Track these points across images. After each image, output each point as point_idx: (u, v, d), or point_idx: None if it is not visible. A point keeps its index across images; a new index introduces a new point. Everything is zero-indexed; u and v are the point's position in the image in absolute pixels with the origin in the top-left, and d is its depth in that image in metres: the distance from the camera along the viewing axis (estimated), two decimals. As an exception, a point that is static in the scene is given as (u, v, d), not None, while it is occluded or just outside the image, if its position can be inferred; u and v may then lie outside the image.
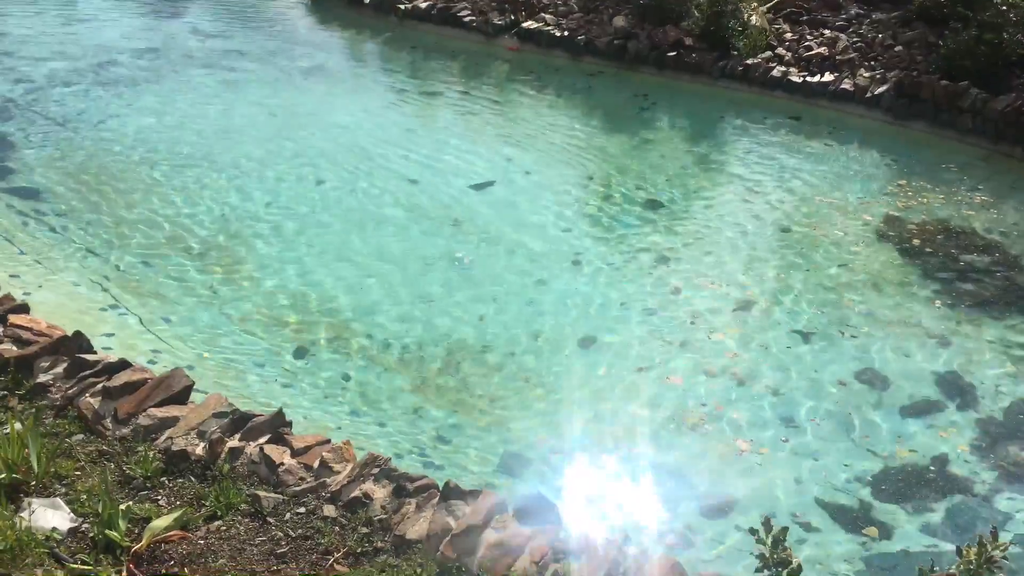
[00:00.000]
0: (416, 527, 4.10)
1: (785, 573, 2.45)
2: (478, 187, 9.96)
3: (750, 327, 7.44)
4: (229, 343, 7.08)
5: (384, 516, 4.22)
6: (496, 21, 15.40)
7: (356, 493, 4.38)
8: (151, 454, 4.72)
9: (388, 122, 12.18)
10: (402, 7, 16.42)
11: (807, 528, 5.41)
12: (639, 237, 9.02)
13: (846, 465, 5.92)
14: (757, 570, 2.59)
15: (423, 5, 16.11)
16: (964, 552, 2.56)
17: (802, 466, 5.91)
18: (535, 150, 11.26)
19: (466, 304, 7.75)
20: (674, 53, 13.52)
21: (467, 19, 15.66)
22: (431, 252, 8.58)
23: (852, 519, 5.49)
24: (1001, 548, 2.46)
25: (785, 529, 2.53)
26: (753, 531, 2.52)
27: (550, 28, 14.90)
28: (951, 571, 2.52)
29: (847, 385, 6.70)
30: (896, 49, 12.52)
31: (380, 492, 4.33)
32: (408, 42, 15.72)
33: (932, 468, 5.89)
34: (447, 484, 4.24)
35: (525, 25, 15.12)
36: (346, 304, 7.66)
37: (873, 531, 5.38)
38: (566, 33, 14.67)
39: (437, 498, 4.23)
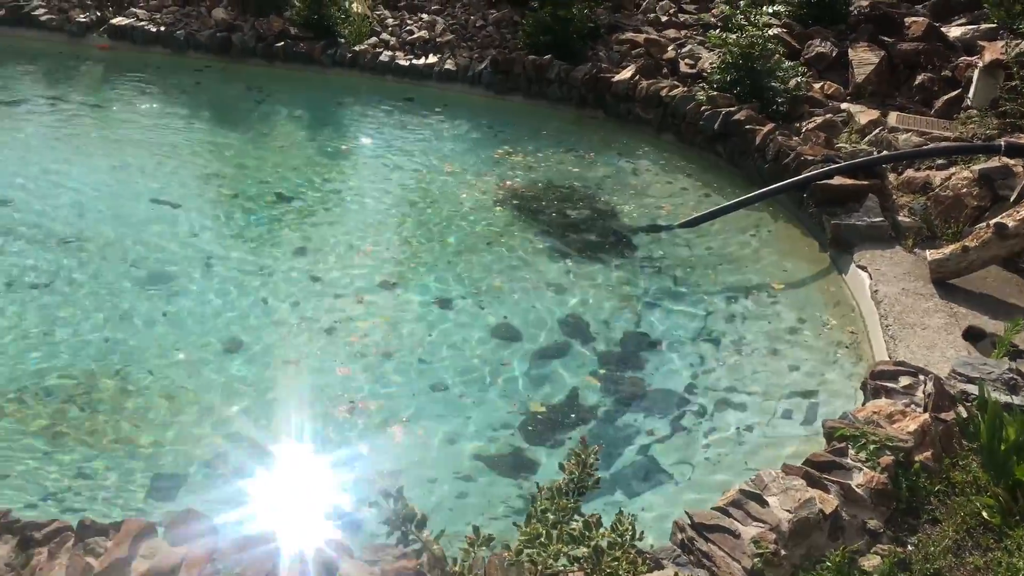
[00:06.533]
0: (52, 577, 3.71)
1: (413, 525, 2.66)
2: (112, 199, 9.12)
3: (396, 306, 7.65)
4: None
5: (11, 575, 3.76)
6: (80, 19, 14.03)
7: (-29, 559, 3.84)
8: None
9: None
10: (-40, 10, 14.35)
11: (468, 480, 5.76)
12: (273, 231, 8.85)
13: (495, 419, 6.36)
14: (388, 534, 2.77)
15: (-12, 6, 14.22)
16: (566, 466, 2.93)
17: (454, 427, 6.24)
18: (149, 154, 10.50)
19: (89, 329, 7.07)
20: (281, 43, 13.35)
21: (44, 18, 14.08)
22: (38, 279, 7.70)
23: (507, 464, 5.94)
24: (593, 453, 2.86)
25: (400, 488, 2.73)
26: (371, 502, 2.69)
27: (144, 23, 13.92)
28: (559, 483, 2.87)
29: (487, 344, 7.18)
30: (487, 29, 13.55)
31: (2, 550, 3.84)
32: (-27, 49, 13.80)
33: (567, 404, 6.55)
34: (81, 522, 3.87)
35: (115, 21, 13.96)
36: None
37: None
38: (163, 28, 13.81)
39: (72, 540, 3.85)
